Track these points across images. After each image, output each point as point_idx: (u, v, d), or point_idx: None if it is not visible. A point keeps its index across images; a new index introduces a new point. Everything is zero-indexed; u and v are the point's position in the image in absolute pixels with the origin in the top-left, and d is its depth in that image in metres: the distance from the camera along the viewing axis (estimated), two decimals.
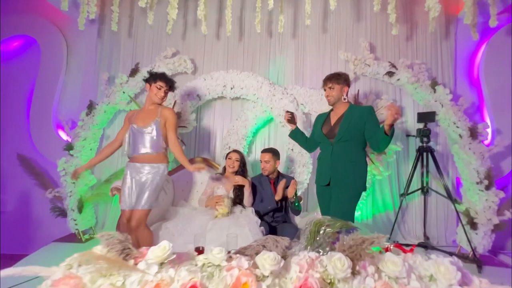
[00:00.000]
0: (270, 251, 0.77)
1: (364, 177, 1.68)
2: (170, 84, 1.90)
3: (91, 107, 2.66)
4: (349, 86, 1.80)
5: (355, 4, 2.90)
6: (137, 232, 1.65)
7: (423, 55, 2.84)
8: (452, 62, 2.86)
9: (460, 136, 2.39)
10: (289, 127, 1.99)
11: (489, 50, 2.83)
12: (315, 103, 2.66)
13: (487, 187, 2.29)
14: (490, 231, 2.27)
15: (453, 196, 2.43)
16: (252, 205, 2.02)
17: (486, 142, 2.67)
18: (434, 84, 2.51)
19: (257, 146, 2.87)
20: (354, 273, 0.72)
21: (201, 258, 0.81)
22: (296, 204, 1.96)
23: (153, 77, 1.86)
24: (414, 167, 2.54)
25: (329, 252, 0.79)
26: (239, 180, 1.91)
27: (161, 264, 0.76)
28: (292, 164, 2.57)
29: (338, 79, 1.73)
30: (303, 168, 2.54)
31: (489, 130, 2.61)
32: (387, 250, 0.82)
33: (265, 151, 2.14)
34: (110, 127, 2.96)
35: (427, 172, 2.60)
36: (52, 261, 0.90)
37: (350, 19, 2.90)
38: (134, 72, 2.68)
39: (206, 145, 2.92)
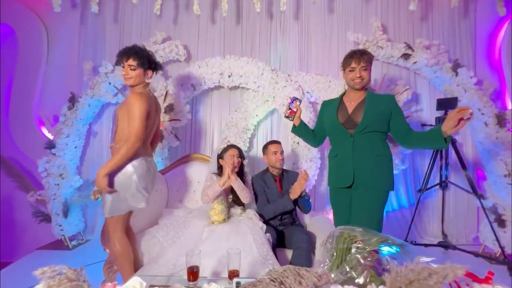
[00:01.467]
0: None
1: (391, 174, 1.40)
2: (128, 56, 1.43)
3: (73, 100, 2.39)
4: None
5: None
6: (109, 245, 1.41)
7: (440, 35, 2.57)
8: (472, 42, 2.59)
9: (486, 124, 2.15)
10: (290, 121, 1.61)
11: None
12: (322, 91, 2.40)
13: None
14: None
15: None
16: (257, 204, 1.78)
17: None
18: (456, 66, 2.25)
19: (258, 140, 2.62)
20: None
21: None
22: (307, 198, 1.73)
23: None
24: (433, 160, 2.31)
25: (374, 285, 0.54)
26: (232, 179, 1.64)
27: None
28: (298, 159, 2.33)
29: (371, 58, 1.41)
30: (310, 163, 2.29)
31: None
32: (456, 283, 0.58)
33: (275, 142, 1.87)
34: (98, 123, 2.70)
35: (447, 165, 2.37)
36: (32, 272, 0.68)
37: None
38: (120, 60, 2.40)
39: (203, 139, 2.67)
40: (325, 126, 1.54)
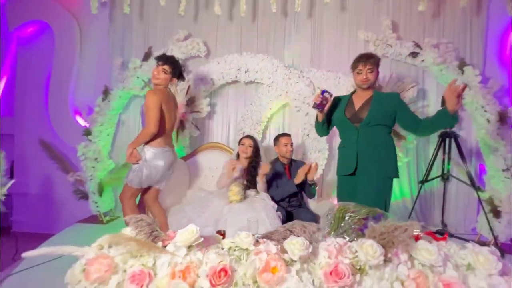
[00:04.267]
0: (298, 236, 0.76)
1: (394, 162, 1.58)
2: (166, 61, 1.73)
3: (106, 92, 2.67)
4: None
5: None
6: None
7: (450, 34, 2.64)
8: (483, 40, 2.65)
9: (488, 120, 2.26)
10: (317, 112, 1.67)
11: None
12: (332, 87, 2.56)
13: None
14: None
15: (476, 183, 2.34)
16: (268, 189, 2.02)
17: None
18: (462, 65, 2.35)
19: (271, 132, 2.83)
20: (386, 260, 0.70)
21: (227, 242, 0.81)
22: (312, 186, 1.95)
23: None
24: (436, 154, 2.44)
25: (358, 239, 0.77)
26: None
27: (189, 247, 0.76)
28: (308, 150, 2.53)
29: (377, 61, 1.58)
30: (318, 154, 2.49)
31: None
32: (417, 238, 0.79)
33: (285, 134, 2.10)
34: (126, 113, 2.99)
35: (449, 158, 2.50)
36: (77, 241, 0.92)
37: None
38: (147, 56, 2.65)
39: (219, 130, 2.91)
40: (334, 120, 1.73)
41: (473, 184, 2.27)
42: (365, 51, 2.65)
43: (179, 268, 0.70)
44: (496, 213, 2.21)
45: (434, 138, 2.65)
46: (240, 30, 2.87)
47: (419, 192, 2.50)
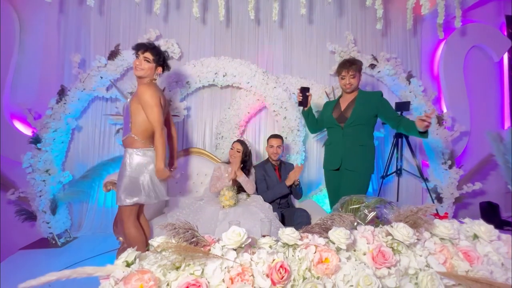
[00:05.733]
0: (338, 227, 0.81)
1: (372, 160, 1.77)
2: (146, 49, 1.53)
3: (62, 93, 2.31)
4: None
5: None
6: (123, 231, 1.55)
7: (396, 50, 3.12)
8: (419, 58, 3.21)
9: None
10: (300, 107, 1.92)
11: (447, 49, 3.25)
12: None
13: (450, 167, 2.68)
14: (452, 203, 2.68)
15: (424, 176, 2.79)
16: (257, 190, 2.03)
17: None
18: (409, 77, 2.80)
19: (248, 135, 2.86)
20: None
21: (264, 241, 0.81)
22: (300, 187, 2.04)
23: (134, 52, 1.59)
24: (392, 151, 2.83)
25: (379, 225, 0.86)
26: (234, 175, 1.90)
27: (234, 250, 0.74)
28: (287, 151, 2.64)
29: (359, 66, 1.73)
30: (296, 155, 2.62)
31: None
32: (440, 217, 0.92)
33: (275, 136, 2.13)
34: (83, 117, 2.63)
35: (401, 155, 2.93)
36: (26, 271, 0.74)
37: (334, 12, 3.02)
38: (113, 54, 2.40)
39: (195, 134, 2.80)
40: (323, 121, 1.88)
41: (422, 176, 2.71)
42: (331, 61, 2.96)
43: (236, 272, 0.67)
44: (439, 199, 2.68)
45: (389, 138, 3.07)
46: (214, 34, 2.84)
47: (381, 186, 2.85)
